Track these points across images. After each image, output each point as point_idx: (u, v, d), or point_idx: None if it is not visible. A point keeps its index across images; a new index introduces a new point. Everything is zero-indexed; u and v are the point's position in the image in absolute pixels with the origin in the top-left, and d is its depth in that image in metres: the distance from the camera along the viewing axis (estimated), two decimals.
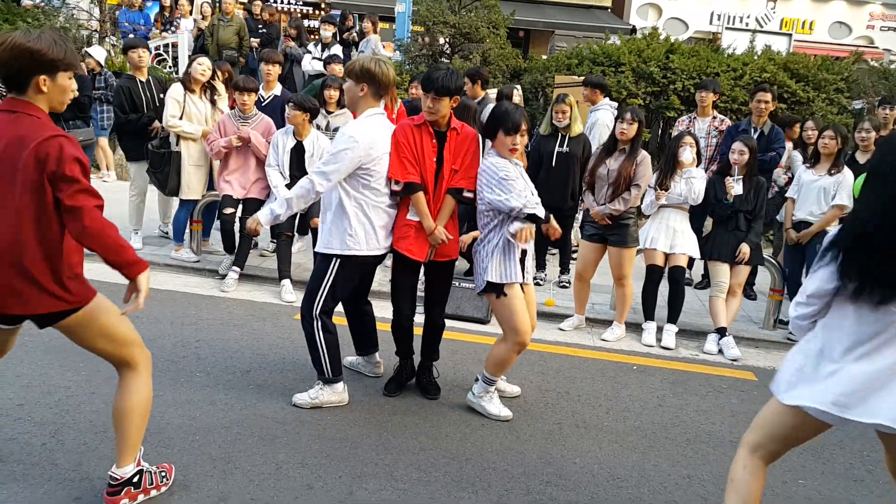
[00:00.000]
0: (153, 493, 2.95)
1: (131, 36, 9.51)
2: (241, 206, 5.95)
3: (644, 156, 5.20)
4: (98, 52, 8.49)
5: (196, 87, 6.14)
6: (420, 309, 4.11)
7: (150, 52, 6.67)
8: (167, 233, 6.86)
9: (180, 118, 6.07)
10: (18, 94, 2.56)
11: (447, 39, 10.23)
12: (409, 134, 3.76)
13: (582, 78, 8.21)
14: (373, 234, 3.75)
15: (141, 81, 6.39)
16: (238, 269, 5.90)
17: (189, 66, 6.21)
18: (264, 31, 11.81)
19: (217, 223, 6.30)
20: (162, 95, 6.37)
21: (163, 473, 3.04)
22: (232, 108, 6.24)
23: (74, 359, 4.18)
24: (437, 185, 3.80)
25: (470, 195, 3.81)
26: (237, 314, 5.22)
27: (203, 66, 6.13)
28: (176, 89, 6.09)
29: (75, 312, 2.72)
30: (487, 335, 5.20)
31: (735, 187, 5.40)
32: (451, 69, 3.74)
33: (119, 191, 8.57)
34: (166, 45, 11.71)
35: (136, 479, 2.87)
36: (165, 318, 5.03)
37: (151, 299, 5.26)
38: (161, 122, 6.21)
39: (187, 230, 6.40)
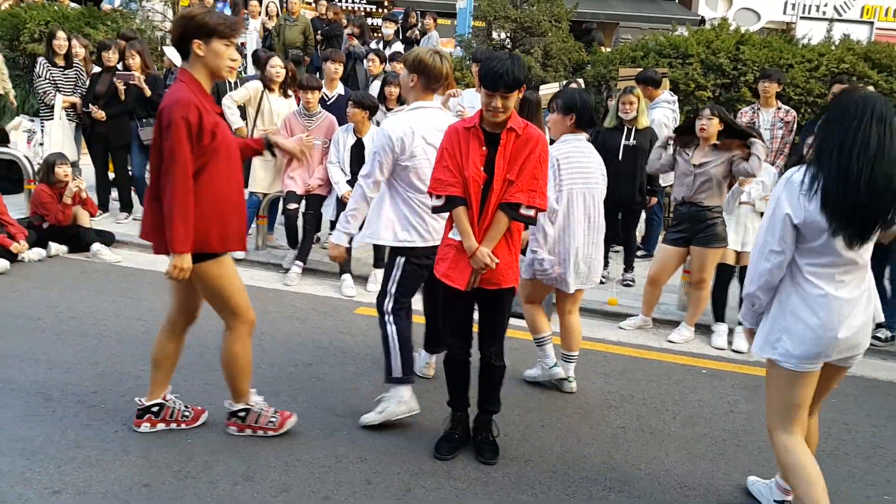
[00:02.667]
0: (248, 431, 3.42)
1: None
2: (304, 202, 6.01)
3: (735, 151, 4.92)
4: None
5: (274, 86, 6.31)
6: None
7: (243, 57, 6.93)
8: None
9: (256, 115, 6.22)
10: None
11: (508, 34, 10.10)
12: (454, 138, 3.16)
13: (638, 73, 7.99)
14: (424, 227, 3.55)
15: (229, 82, 6.64)
16: (301, 264, 5.96)
17: (263, 67, 6.35)
18: (327, 28, 11.91)
19: (281, 218, 6.39)
20: None
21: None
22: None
23: (145, 348, 4.28)
24: (484, 199, 3.12)
25: (530, 212, 3.11)
26: (300, 308, 5.27)
27: (276, 67, 6.25)
28: (255, 84, 6.28)
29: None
30: None
31: None
32: (512, 55, 3.10)
33: None
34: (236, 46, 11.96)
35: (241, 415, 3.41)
36: None
37: None
38: (244, 119, 6.48)
39: (253, 225, 6.49)
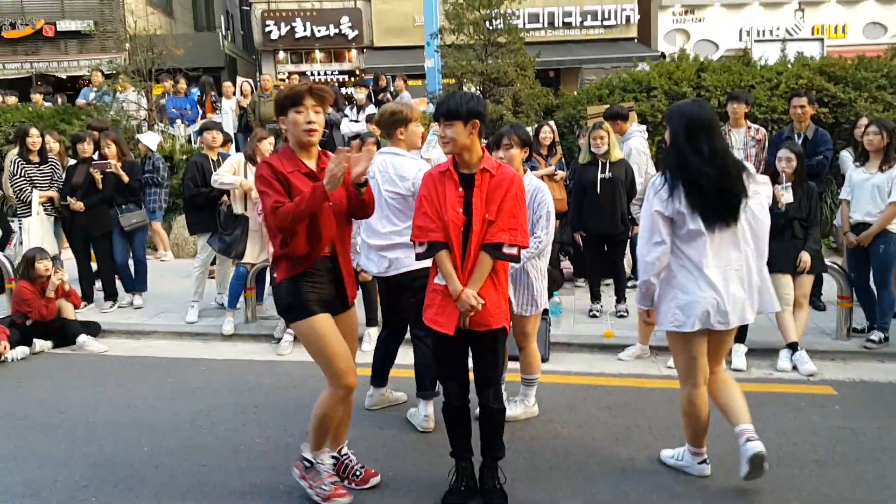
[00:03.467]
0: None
1: (210, 119, 9.89)
2: None
3: None
4: (150, 139, 8.74)
5: (259, 158, 6.30)
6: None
7: (223, 136, 6.97)
8: (223, 304, 6.91)
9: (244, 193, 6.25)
10: None
11: (478, 87, 10.27)
12: (430, 184, 3.19)
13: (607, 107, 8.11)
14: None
15: (212, 160, 6.65)
16: (293, 332, 5.86)
17: (256, 141, 6.34)
18: None
19: (269, 289, 6.32)
20: None
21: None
22: None
23: (137, 435, 4.16)
24: (466, 241, 3.10)
25: (512, 251, 3.10)
26: (294, 376, 5.15)
27: (266, 140, 6.25)
28: (237, 156, 6.28)
29: None
30: (546, 373, 4.99)
31: (785, 195, 5.15)
32: (466, 92, 3.24)
33: (177, 268, 8.74)
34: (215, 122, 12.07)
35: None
36: (224, 387, 4.99)
37: (210, 370, 5.31)
38: (229, 197, 6.42)
39: (241, 298, 6.41)
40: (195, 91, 13.15)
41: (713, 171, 3.08)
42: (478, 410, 3.32)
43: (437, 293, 3.20)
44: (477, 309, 3.06)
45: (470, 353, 3.30)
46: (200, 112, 12.29)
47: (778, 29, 20.20)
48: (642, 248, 3.24)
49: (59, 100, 12.53)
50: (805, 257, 5.11)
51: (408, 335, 4.30)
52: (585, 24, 19.12)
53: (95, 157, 7.12)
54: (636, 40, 19.57)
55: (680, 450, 3.62)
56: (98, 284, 7.26)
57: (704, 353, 3.32)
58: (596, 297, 6.40)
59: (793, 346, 5.06)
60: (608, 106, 8.20)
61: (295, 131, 3.10)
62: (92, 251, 7.15)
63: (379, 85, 12.83)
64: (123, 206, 6.95)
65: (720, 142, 3.17)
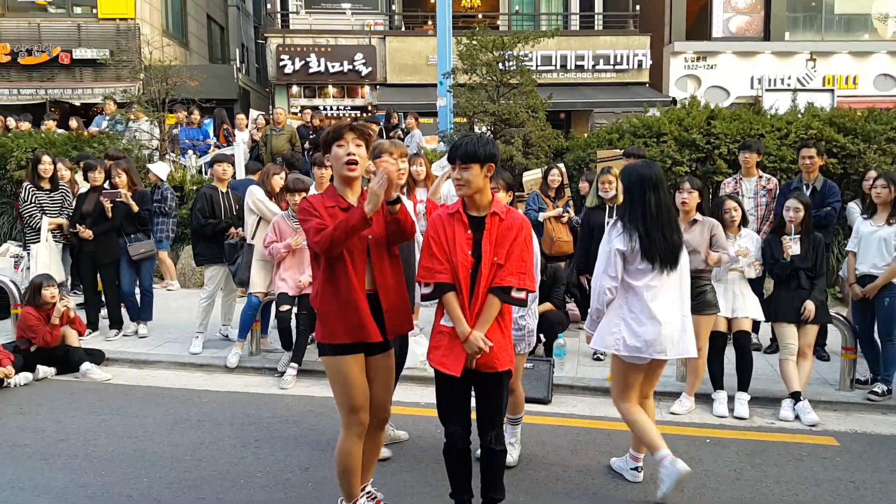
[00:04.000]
0: None
1: (223, 151, 10.08)
2: (296, 302, 6.04)
3: (714, 223, 5.11)
4: (160, 168, 8.95)
5: (273, 192, 6.49)
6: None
7: (233, 168, 7.14)
8: (227, 335, 6.99)
9: (258, 220, 6.42)
10: None
11: (488, 127, 10.45)
12: (438, 226, 3.25)
13: (623, 151, 8.25)
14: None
15: (222, 192, 6.82)
16: (296, 366, 5.92)
17: (268, 176, 6.58)
18: (314, 136, 12.32)
19: (274, 321, 6.40)
20: (238, 206, 6.79)
21: None
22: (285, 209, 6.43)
23: (137, 467, 4.22)
24: (474, 284, 3.18)
25: (521, 294, 3.19)
26: (296, 410, 5.21)
27: (278, 175, 6.43)
28: (257, 190, 6.42)
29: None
30: (549, 415, 5.04)
31: (793, 247, 5.23)
32: (481, 135, 3.29)
33: (183, 298, 8.85)
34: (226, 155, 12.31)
35: None
36: (226, 419, 5.04)
37: (212, 402, 5.38)
38: (236, 228, 6.67)
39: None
40: (208, 122, 13.44)
41: (659, 221, 3.68)
42: (478, 452, 3.37)
43: (443, 335, 3.24)
44: (485, 351, 3.13)
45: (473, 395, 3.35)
46: (215, 142, 12.55)
47: (789, 78, 20.49)
48: (598, 278, 3.79)
49: (74, 123, 12.75)
50: (810, 306, 5.18)
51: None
52: (598, 67, 19.44)
53: (107, 185, 7.29)
54: (648, 85, 19.87)
55: (622, 459, 4.21)
56: (104, 312, 7.36)
57: (640, 378, 3.89)
58: None
59: (796, 396, 5.10)
60: (618, 150, 8.36)
61: (337, 165, 3.21)
62: (98, 279, 7.27)
63: (391, 122, 13.07)
64: (132, 235, 7.08)
65: (666, 198, 3.76)
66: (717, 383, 5.26)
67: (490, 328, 3.17)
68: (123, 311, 7.29)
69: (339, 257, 3.13)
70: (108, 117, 12.11)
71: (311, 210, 3.16)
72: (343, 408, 3.25)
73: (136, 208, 7.04)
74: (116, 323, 7.20)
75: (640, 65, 19.50)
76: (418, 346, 5.72)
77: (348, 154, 3.16)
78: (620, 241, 3.71)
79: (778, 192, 6.76)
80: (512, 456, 4.17)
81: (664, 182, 3.78)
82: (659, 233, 3.67)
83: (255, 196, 6.46)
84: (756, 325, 6.03)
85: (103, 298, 7.33)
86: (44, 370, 5.93)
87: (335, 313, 3.16)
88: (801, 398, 5.08)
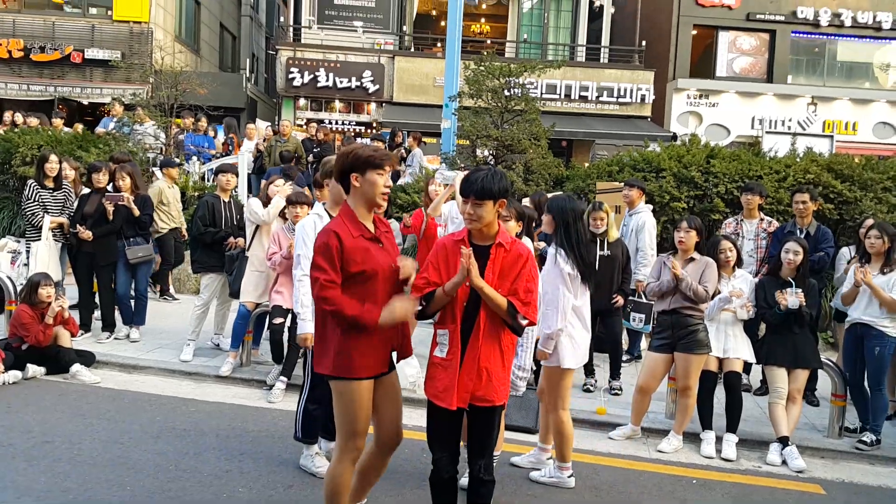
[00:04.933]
0: None
1: (227, 161, 10.06)
2: (290, 316, 5.98)
3: (708, 261, 5.13)
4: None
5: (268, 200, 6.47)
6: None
7: (237, 178, 7.08)
8: (218, 345, 6.94)
9: (255, 229, 6.36)
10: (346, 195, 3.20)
11: (491, 151, 10.48)
12: (440, 252, 3.24)
13: (622, 184, 8.26)
14: None
15: (224, 201, 6.80)
16: (286, 379, 5.87)
17: (267, 185, 6.51)
18: (318, 149, 12.34)
19: (267, 333, 6.35)
20: (240, 216, 6.76)
21: None
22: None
23: (120, 473, 4.15)
24: (469, 317, 3.16)
25: (524, 322, 3.19)
26: (283, 426, 5.14)
27: (278, 186, 6.38)
28: (255, 202, 6.38)
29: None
30: (535, 445, 4.98)
31: (789, 300, 5.20)
32: (493, 169, 3.24)
33: (176, 304, 8.79)
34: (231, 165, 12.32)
35: None
36: (212, 430, 4.99)
37: (200, 411, 5.31)
38: (236, 237, 6.62)
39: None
40: (218, 128, 13.46)
41: (586, 245, 4.18)
42: (463, 481, 3.33)
43: (438, 367, 3.21)
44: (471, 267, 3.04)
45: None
46: (226, 151, 12.57)
47: (790, 120, 20.65)
48: (561, 298, 4.09)
49: (80, 127, 12.74)
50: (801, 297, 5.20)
51: None
52: (601, 99, 19.54)
53: (110, 188, 7.26)
54: (650, 119, 19.98)
55: (546, 469, 4.49)
56: (97, 314, 7.30)
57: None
58: (590, 371, 6.41)
59: (783, 441, 5.06)
60: (617, 183, 8.37)
61: (371, 192, 3.12)
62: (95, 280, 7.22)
63: (395, 140, 13.10)
64: (131, 239, 7.05)
65: (585, 227, 4.41)
66: (706, 423, 5.22)
67: (492, 361, 3.17)
68: (117, 313, 7.23)
69: (372, 295, 3.09)
70: (115, 119, 12.10)
71: (334, 255, 3.03)
72: (344, 432, 3.19)
73: (137, 212, 7.01)
74: (109, 325, 7.14)
75: (643, 99, 19.63)
76: (408, 367, 5.68)
77: (386, 185, 3.15)
78: (570, 266, 4.06)
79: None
80: None
81: (583, 213, 4.39)
82: (587, 255, 4.15)
83: (249, 205, 6.44)
84: (747, 367, 6.01)
85: (97, 300, 7.29)
86: (34, 369, 5.87)
87: (361, 349, 3.09)
88: (789, 443, 5.05)
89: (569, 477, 4.38)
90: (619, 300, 6.31)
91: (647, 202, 7.71)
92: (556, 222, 4.17)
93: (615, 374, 6.37)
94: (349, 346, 3.08)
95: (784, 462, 4.99)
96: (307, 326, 4.14)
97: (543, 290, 4.04)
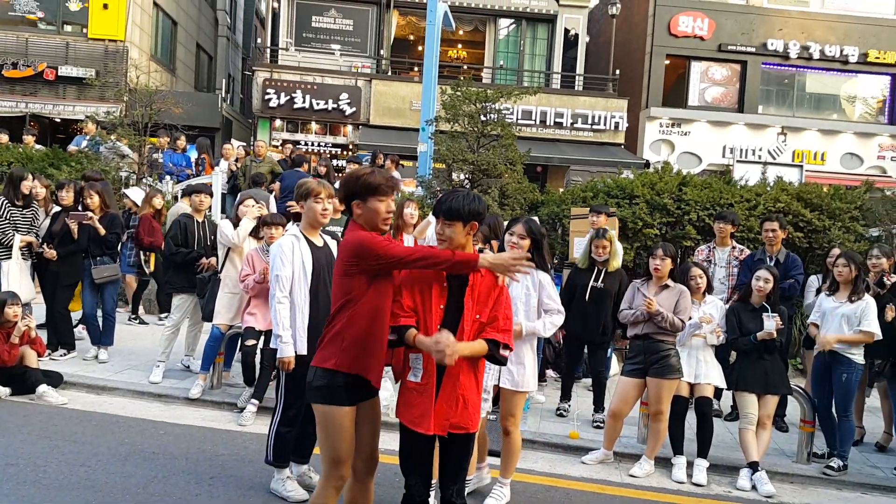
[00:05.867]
0: None
1: (201, 181, 10.02)
2: (262, 338, 5.95)
3: (682, 289, 5.23)
4: (135, 193, 8.88)
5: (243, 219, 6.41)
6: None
7: (211, 198, 7.03)
8: (189, 366, 6.87)
9: (227, 250, 6.32)
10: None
11: (466, 175, 10.57)
12: (416, 273, 3.19)
13: (590, 208, 8.38)
14: None
15: (198, 221, 6.80)
16: (257, 402, 5.82)
17: (237, 206, 6.46)
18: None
19: (238, 355, 6.30)
20: (213, 237, 6.72)
21: None
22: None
23: (86, 496, 4.09)
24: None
25: (505, 353, 3.16)
26: (253, 450, 5.10)
27: (248, 206, 6.34)
28: (226, 223, 6.35)
29: None
30: None
31: (766, 324, 5.28)
32: (469, 192, 3.20)
33: (146, 326, 8.68)
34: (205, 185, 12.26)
35: None
36: (181, 453, 4.93)
37: (169, 434, 5.25)
38: (208, 258, 6.58)
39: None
40: (191, 147, 13.40)
41: None
42: None
43: (412, 391, 3.17)
44: (450, 352, 2.90)
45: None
46: (197, 171, 12.49)
47: (760, 149, 21.13)
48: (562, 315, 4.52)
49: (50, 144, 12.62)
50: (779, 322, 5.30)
51: None
52: (576, 125, 19.83)
53: (79, 207, 7.20)
54: (623, 146, 20.30)
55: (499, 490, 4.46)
56: (77, 331, 7.21)
57: None
58: (566, 395, 6.44)
59: (753, 466, 5.14)
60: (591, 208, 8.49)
61: (373, 219, 3.16)
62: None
63: (376, 162, 13.15)
64: (98, 259, 6.97)
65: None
66: (678, 448, 5.28)
67: (469, 388, 3.13)
68: (85, 332, 7.15)
69: (394, 295, 3.12)
70: (87, 137, 12.00)
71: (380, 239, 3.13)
72: (328, 459, 3.19)
73: (102, 231, 6.93)
74: (65, 344, 7.04)
75: (616, 126, 19.96)
76: (382, 390, 5.66)
77: (388, 211, 3.18)
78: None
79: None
80: None
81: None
82: None
83: (220, 227, 6.41)
84: (718, 392, 6.10)
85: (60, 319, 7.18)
86: None
87: (368, 347, 3.12)
88: (759, 468, 5.13)
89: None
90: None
91: (620, 228, 7.83)
92: (536, 243, 4.33)
93: (599, 406, 6.28)
94: (355, 339, 3.11)
95: (754, 487, 5.06)
96: (288, 350, 4.13)
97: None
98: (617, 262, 6.21)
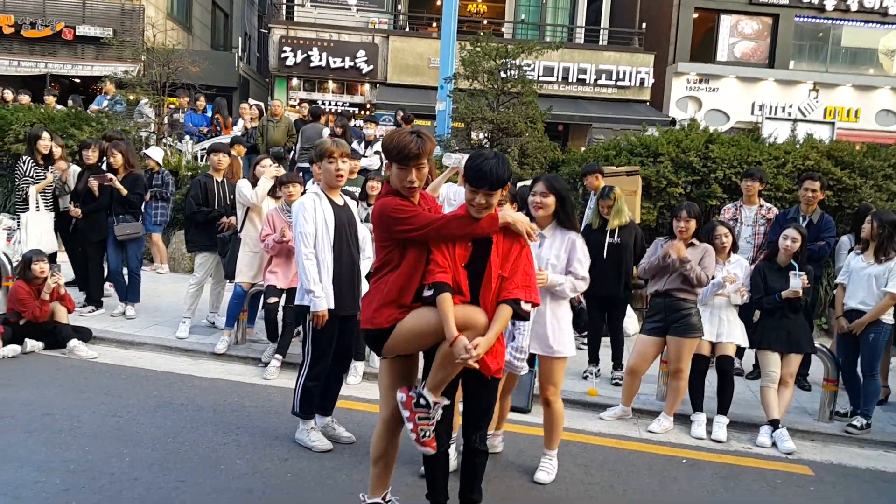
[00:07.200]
0: None
1: (220, 140, 10.15)
2: (284, 296, 6.12)
3: (707, 248, 5.26)
4: (156, 153, 9.03)
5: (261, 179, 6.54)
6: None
7: (230, 157, 7.12)
8: (214, 323, 7.07)
9: (246, 210, 6.46)
10: None
11: (486, 134, 10.58)
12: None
13: (621, 168, 8.38)
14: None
15: (217, 181, 6.90)
16: (280, 357, 6.02)
17: (255, 166, 6.57)
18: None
19: (261, 312, 6.48)
20: (233, 196, 6.82)
21: None
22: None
23: (120, 445, 4.29)
24: (474, 295, 3.17)
25: (527, 307, 3.24)
26: (278, 402, 5.29)
27: (265, 167, 6.44)
28: (244, 183, 6.47)
29: None
30: (528, 425, 5.14)
31: (792, 282, 5.32)
32: (496, 154, 3.19)
33: (172, 282, 8.91)
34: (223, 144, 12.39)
35: None
36: (208, 405, 5.13)
37: (196, 387, 5.46)
38: (228, 217, 6.73)
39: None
40: (209, 108, 13.50)
41: None
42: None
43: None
44: (470, 358, 3.00)
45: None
46: (214, 131, 12.61)
47: (791, 107, 20.77)
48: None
49: (71, 103, 12.75)
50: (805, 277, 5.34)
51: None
52: (599, 82, 19.61)
53: (103, 165, 7.35)
54: (648, 103, 20.07)
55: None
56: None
57: None
58: (594, 359, 6.43)
59: (774, 423, 5.22)
60: (614, 167, 8.49)
61: (397, 182, 3.24)
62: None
63: (398, 122, 13.14)
64: (120, 217, 7.13)
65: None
66: (697, 405, 5.39)
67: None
68: (112, 289, 7.38)
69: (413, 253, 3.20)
70: (108, 97, 12.14)
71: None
72: (390, 406, 3.38)
73: (124, 192, 7.06)
74: (95, 301, 7.27)
75: (642, 82, 19.71)
76: None
77: (410, 180, 3.20)
78: None
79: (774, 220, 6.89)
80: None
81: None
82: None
83: (238, 187, 6.53)
84: (740, 351, 6.16)
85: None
86: (31, 344, 6.00)
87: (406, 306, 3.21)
88: (780, 426, 5.21)
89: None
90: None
91: (644, 187, 7.83)
92: (563, 200, 4.20)
93: (617, 364, 6.36)
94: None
95: (774, 444, 5.15)
96: (321, 303, 4.27)
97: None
98: (619, 220, 6.18)
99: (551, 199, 4.17)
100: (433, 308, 3.11)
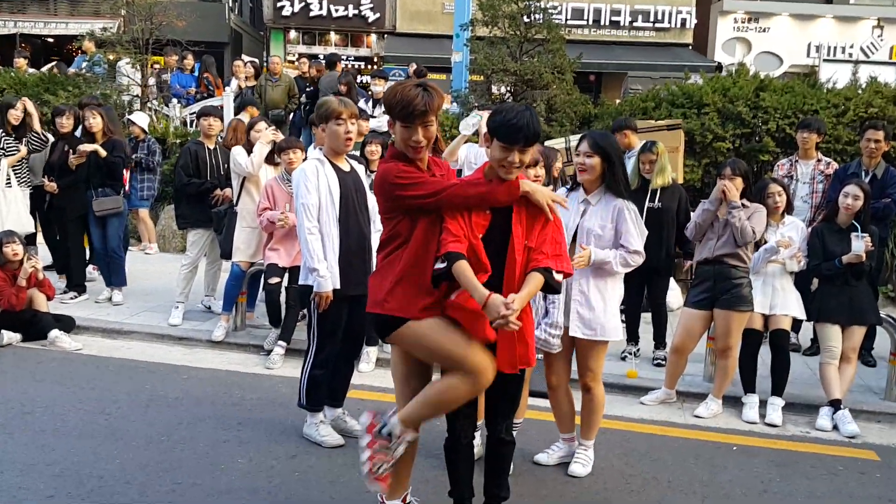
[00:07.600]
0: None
1: (210, 103, 10.10)
2: (287, 276, 6.11)
3: (758, 207, 5.16)
4: (141, 119, 9.01)
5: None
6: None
7: (223, 122, 7.02)
8: (210, 307, 7.09)
9: (242, 180, 6.41)
10: None
11: (508, 88, 10.46)
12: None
13: (661, 122, 8.25)
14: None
15: (209, 148, 6.86)
16: (284, 344, 6.02)
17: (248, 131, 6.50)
18: (311, 89, 12.33)
19: (262, 294, 6.49)
20: (227, 165, 6.75)
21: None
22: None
23: (108, 445, 4.33)
24: (498, 271, 3.09)
25: (559, 277, 3.17)
26: (283, 393, 5.31)
27: (260, 132, 6.36)
28: (239, 150, 6.38)
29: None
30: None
31: (854, 245, 5.22)
32: (525, 107, 3.10)
33: (162, 263, 8.96)
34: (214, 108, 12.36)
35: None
36: (206, 398, 5.16)
37: (192, 378, 5.49)
38: (223, 189, 6.68)
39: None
40: (198, 65, 13.46)
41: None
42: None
43: (457, 310, 3.11)
44: (508, 318, 2.88)
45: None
46: (204, 92, 12.58)
47: (851, 47, 20.35)
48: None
49: (56, 70, 12.72)
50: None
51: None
52: (635, 24, 19.33)
53: (78, 134, 7.33)
54: (691, 47, 19.77)
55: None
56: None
57: None
58: (633, 337, 6.34)
59: (835, 404, 5.16)
60: (654, 121, 8.35)
61: (401, 143, 3.17)
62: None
63: (410, 76, 13.04)
64: (100, 190, 7.08)
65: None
66: (749, 386, 5.33)
67: (526, 320, 3.11)
68: (97, 273, 7.42)
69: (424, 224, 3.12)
70: (87, 58, 12.12)
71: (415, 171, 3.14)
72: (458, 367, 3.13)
73: (103, 153, 6.96)
74: (77, 286, 7.31)
75: (683, 23, 19.39)
76: None
77: (415, 139, 3.11)
78: None
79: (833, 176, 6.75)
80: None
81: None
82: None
83: (233, 154, 6.40)
84: (796, 324, 6.08)
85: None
86: (9, 336, 6.06)
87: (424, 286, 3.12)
88: (842, 406, 5.15)
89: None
90: (687, 264, 6.31)
91: (687, 142, 7.70)
92: (608, 160, 4.03)
93: (660, 343, 6.31)
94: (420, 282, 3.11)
95: (835, 427, 5.10)
96: (326, 284, 4.24)
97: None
98: (662, 179, 6.03)
99: (597, 161, 4.04)
100: (462, 331, 3.07)
